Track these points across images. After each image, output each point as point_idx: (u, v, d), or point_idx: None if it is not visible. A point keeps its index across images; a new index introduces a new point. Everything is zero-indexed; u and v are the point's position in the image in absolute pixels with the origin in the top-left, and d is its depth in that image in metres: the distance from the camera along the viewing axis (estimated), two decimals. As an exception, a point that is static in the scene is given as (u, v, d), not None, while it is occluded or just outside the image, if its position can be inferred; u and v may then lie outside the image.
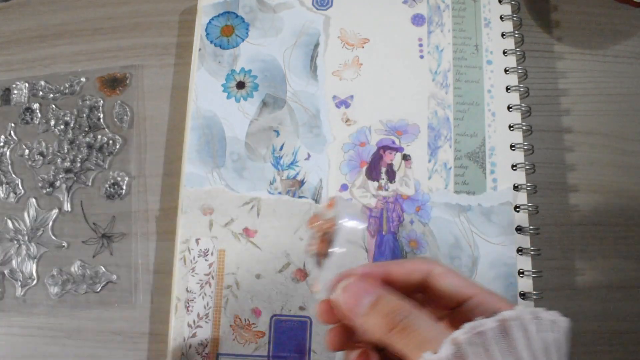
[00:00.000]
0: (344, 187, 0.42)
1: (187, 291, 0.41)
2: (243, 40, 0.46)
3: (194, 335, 0.40)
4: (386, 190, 0.42)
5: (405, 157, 0.43)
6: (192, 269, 0.41)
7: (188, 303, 0.41)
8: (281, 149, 0.43)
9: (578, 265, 0.44)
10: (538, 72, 0.48)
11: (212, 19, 0.46)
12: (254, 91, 0.45)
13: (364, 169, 0.43)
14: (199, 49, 0.46)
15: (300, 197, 0.42)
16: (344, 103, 0.44)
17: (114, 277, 0.44)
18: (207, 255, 0.41)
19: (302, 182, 0.42)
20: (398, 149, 0.43)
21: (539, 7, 0.50)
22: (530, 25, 0.49)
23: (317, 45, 0.46)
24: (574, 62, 0.48)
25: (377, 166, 0.43)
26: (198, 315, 0.40)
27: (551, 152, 0.46)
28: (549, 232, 0.44)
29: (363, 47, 0.45)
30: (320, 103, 0.44)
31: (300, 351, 0.40)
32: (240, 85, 0.45)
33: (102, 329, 0.43)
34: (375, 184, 0.42)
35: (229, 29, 0.46)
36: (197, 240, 0.42)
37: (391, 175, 0.43)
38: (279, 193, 0.42)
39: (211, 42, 0.46)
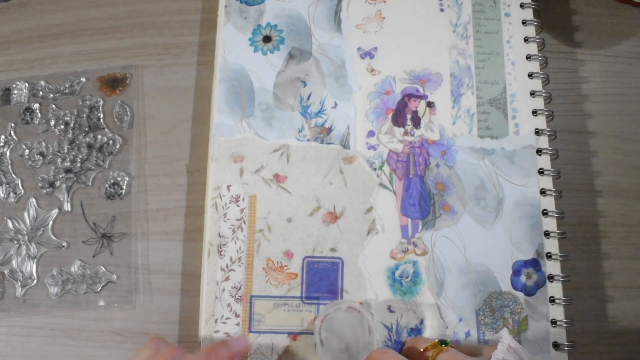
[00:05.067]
0: (371, 134, 0.43)
1: (220, 236, 0.41)
2: (268, -3, 0.47)
3: (227, 279, 0.41)
4: (412, 135, 0.43)
5: (430, 105, 0.44)
6: (224, 215, 0.42)
7: (220, 248, 0.41)
8: (308, 98, 0.44)
9: (578, 265, 0.44)
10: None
11: (236, -22, 0.48)
12: (280, 44, 0.46)
13: (390, 115, 0.44)
14: (225, 6, 0.47)
15: (328, 143, 0.43)
16: (368, 54, 0.45)
17: (114, 277, 0.44)
18: (238, 201, 0.42)
19: (329, 130, 0.43)
20: (422, 97, 0.44)
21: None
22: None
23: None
24: (574, 62, 0.49)
25: (402, 113, 0.44)
26: (231, 259, 0.41)
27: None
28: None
29: (385, 2, 0.47)
30: (345, 55, 0.45)
31: (333, 291, 0.41)
32: (267, 39, 0.46)
33: (102, 329, 0.43)
34: (401, 129, 0.44)
35: (254, -13, 0.47)
36: (228, 187, 0.42)
37: (416, 121, 0.44)
38: (308, 140, 0.43)
39: (236, -1, 0.47)
